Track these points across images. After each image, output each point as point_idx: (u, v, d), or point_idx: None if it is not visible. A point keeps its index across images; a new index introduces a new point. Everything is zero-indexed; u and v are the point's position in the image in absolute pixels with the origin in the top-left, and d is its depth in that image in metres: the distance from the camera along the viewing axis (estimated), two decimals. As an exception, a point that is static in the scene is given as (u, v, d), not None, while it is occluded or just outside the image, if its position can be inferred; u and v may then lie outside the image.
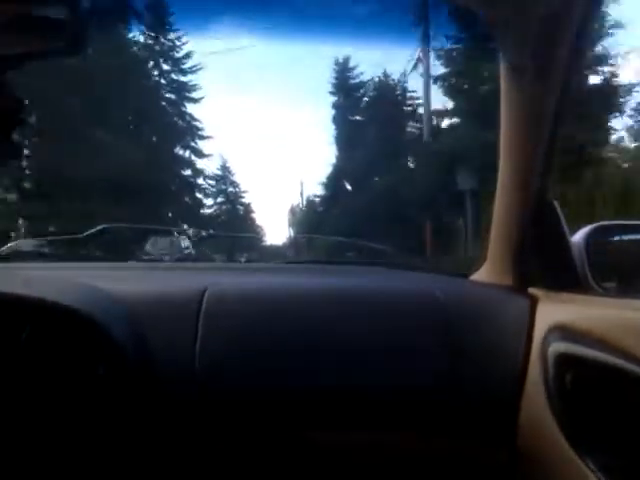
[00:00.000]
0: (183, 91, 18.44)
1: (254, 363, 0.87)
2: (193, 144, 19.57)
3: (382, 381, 0.89)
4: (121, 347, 0.79)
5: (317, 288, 1.01)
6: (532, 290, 0.98)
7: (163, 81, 18.16)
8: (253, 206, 24.46)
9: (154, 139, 17.34)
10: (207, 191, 21.27)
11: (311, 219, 20.28)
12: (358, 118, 19.19)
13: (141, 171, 14.64)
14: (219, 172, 23.50)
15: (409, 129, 18.43)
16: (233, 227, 21.43)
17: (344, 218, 16.11)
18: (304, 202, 22.47)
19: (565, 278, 0.95)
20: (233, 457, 0.88)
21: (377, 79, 18.15)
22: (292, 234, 22.57)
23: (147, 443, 0.83)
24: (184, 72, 18.09)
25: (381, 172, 16.76)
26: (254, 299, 0.95)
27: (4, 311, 0.77)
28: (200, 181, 20.86)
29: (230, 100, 34.85)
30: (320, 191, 20.79)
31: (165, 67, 17.93)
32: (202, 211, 21.11)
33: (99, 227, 1.37)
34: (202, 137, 19.72)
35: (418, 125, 17.62)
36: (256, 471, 0.89)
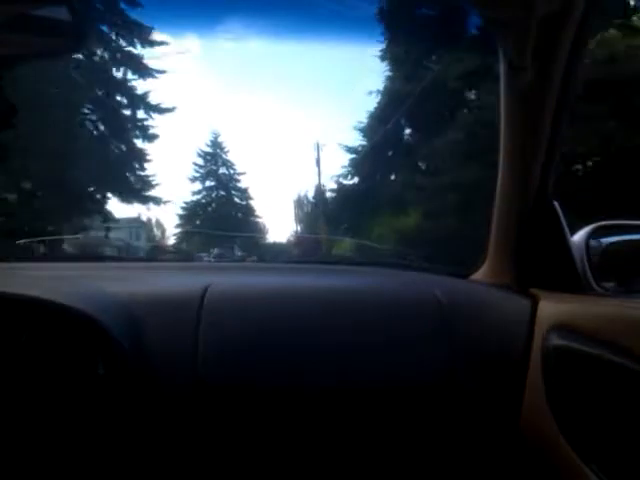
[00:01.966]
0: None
1: (255, 363, 0.87)
2: (130, 49, 10.82)
3: (382, 381, 0.89)
4: (121, 347, 0.79)
5: (317, 288, 1.01)
6: (532, 290, 0.98)
7: None
8: (252, 192, 19.21)
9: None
10: (152, 134, 12.63)
11: (334, 202, 13.53)
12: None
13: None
14: (209, 149, 17.97)
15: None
16: (226, 219, 16.57)
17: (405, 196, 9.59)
18: (321, 174, 15.26)
19: (565, 278, 0.95)
20: (233, 455, 0.88)
21: None
22: (299, 231, 17.79)
23: (148, 442, 0.83)
24: None
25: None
26: (255, 299, 0.95)
27: (4, 311, 0.77)
28: (152, 124, 12.80)
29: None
30: (354, 140, 12.99)
31: None
32: (146, 174, 13.09)
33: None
34: (148, 42, 10.79)
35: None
36: (256, 470, 0.89)
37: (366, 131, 12.67)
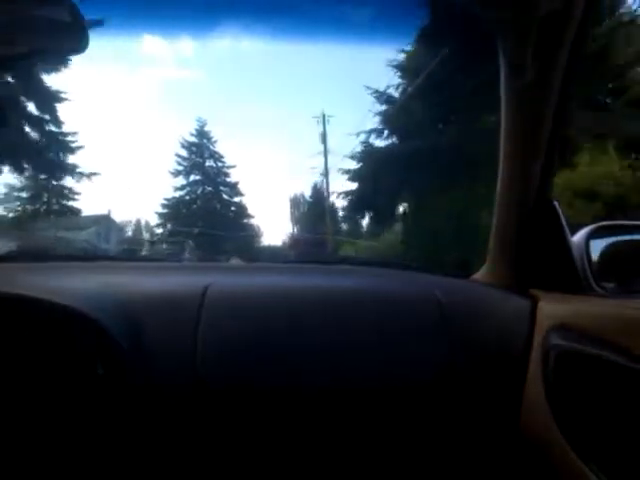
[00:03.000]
0: None
1: (254, 363, 0.87)
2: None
3: (382, 382, 0.89)
4: (121, 347, 0.79)
5: (317, 288, 1.01)
6: (532, 290, 0.98)
7: None
8: (242, 187, 17.01)
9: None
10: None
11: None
12: None
13: None
14: (194, 139, 15.69)
15: None
16: (213, 217, 14.63)
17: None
18: (327, 153, 11.90)
19: (565, 278, 0.95)
20: (232, 454, 0.88)
21: None
22: (295, 232, 15.79)
23: (147, 441, 0.83)
24: None
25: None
26: (254, 299, 0.95)
27: (4, 311, 0.77)
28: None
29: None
30: (390, 80, 8.52)
31: None
32: (61, 131, 8.29)
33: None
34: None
35: None
36: (254, 469, 0.89)
37: (406, 66, 8.30)
